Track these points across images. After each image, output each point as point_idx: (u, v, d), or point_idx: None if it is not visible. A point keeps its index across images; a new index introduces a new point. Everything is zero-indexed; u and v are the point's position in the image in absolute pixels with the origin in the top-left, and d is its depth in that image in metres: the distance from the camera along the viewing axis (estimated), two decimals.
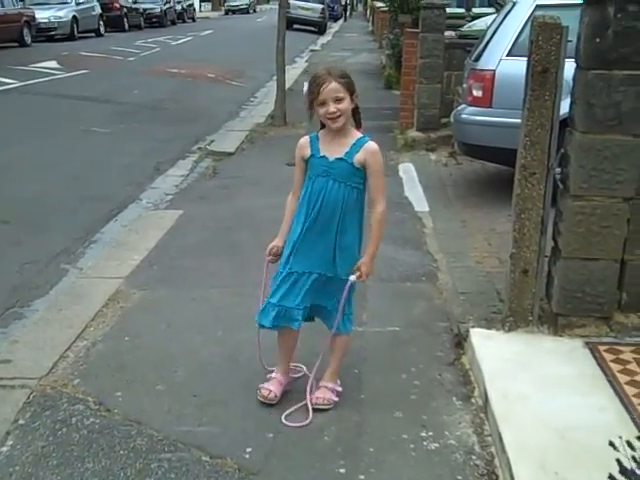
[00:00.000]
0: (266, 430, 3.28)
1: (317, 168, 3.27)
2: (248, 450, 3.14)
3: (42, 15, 25.07)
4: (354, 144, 3.25)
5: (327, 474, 2.99)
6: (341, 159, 3.24)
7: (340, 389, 3.53)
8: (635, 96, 3.64)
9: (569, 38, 3.73)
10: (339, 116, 3.18)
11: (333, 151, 3.25)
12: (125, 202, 7.24)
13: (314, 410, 3.38)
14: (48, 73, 16.70)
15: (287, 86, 12.06)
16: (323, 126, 3.32)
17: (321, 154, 3.27)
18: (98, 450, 3.12)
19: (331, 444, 3.20)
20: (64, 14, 26.12)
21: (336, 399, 3.48)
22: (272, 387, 3.48)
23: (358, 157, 3.23)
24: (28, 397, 3.52)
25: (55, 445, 3.16)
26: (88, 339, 4.15)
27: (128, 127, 11.12)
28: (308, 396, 3.43)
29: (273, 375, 3.55)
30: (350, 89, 3.19)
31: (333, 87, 3.14)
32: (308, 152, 3.30)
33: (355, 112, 3.29)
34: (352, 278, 3.26)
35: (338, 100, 3.16)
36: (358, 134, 3.30)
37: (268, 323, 3.37)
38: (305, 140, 3.34)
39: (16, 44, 22.89)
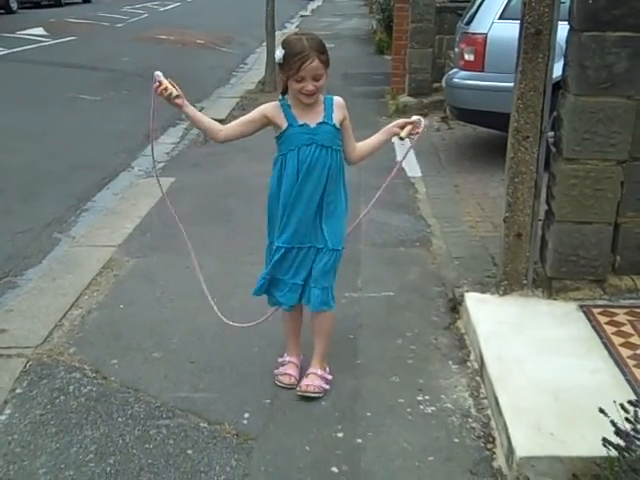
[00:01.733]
0: (263, 396, 3.30)
1: (299, 137, 3.11)
2: (246, 416, 3.16)
3: None
4: (325, 106, 3.15)
5: (325, 439, 3.01)
6: (324, 123, 3.12)
7: (330, 377, 3.39)
8: (628, 58, 3.62)
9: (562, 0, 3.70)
10: (314, 93, 3.05)
11: (311, 117, 3.12)
12: (116, 170, 7.21)
13: (303, 399, 3.27)
14: (35, 40, 16.54)
15: None
16: (285, 91, 3.15)
17: (300, 122, 3.11)
18: (96, 417, 3.14)
19: (328, 409, 3.22)
20: None
21: (327, 387, 3.33)
22: (289, 371, 3.40)
23: (336, 116, 3.14)
24: (25, 366, 3.53)
25: (53, 413, 3.17)
26: (83, 307, 4.15)
27: (118, 94, 11.04)
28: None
29: (287, 359, 3.46)
30: (327, 64, 3.05)
31: (315, 65, 2.97)
32: (284, 121, 3.12)
33: None
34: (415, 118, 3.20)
35: (317, 79, 3.01)
36: (321, 96, 3.16)
37: (257, 293, 3.35)
38: (277, 106, 3.14)
39: (2, 11, 22.64)
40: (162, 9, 27.09)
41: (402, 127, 3.21)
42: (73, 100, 10.47)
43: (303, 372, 3.41)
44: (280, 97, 3.18)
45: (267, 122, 3.16)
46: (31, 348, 3.68)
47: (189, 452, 2.92)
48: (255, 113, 3.17)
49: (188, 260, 4.77)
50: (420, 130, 3.21)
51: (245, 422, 3.12)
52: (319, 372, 3.37)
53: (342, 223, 3.26)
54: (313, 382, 3.32)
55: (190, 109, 3.12)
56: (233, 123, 3.23)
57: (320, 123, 3.12)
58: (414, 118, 3.23)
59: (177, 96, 3.05)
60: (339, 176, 3.21)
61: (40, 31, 18.19)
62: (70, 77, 12.42)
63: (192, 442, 2.98)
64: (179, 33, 18.56)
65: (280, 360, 3.49)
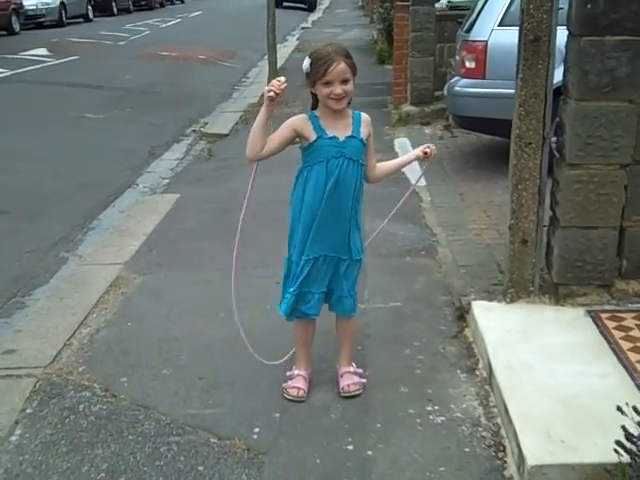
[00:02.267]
0: (273, 410, 3.30)
1: (328, 149, 3.12)
2: (256, 430, 3.16)
3: (30, 2, 24.86)
4: (354, 120, 3.19)
5: (335, 451, 3.01)
6: (352, 137, 3.15)
7: (361, 370, 3.50)
8: (628, 61, 3.63)
9: (560, 5, 3.71)
10: (344, 97, 3.07)
11: (341, 130, 3.14)
12: (121, 188, 7.24)
13: (347, 398, 3.37)
14: (38, 61, 16.61)
15: (279, 65, 12.04)
16: (315, 106, 3.19)
17: (329, 135, 3.12)
18: (107, 436, 3.14)
19: (338, 421, 3.21)
20: (52, 0, 25.89)
21: (364, 380, 3.44)
22: (298, 384, 3.39)
23: (363, 132, 3.19)
24: (34, 386, 3.54)
25: (64, 432, 3.17)
26: (91, 326, 4.16)
27: (121, 112, 11.09)
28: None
29: (295, 372, 3.45)
30: (354, 71, 3.10)
31: (342, 68, 3.02)
32: (312, 133, 3.12)
33: None
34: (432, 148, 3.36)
35: (345, 81, 3.05)
36: (349, 111, 3.22)
37: (287, 311, 3.31)
38: (305, 118, 3.16)
39: (4, 32, 22.73)
40: (163, 25, 27.20)
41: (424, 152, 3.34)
42: (77, 119, 10.52)
43: (312, 385, 3.42)
44: (308, 112, 3.21)
45: (296, 135, 3.17)
46: (40, 368, 3.69)
47: (200, 468, 2.92)
48: (285, 129, 3.17)
49: (195, 276, 4.82)
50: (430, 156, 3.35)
51: (255, 437, 3.12)
52: (352, 369, 3.46)
53: (361, 233, 3.35)
54: (352, 380, 3.41)
55: (270, 117, 3.13)
56: (270, 142, 3.16)
57: (349, 137, 3.15)
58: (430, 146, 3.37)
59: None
60: (362, 190, 3.27)
61: (43, 51, 18.28)
62: (73, 96, 12.48)
63: (203, 458, 2.98)
64: (181, 49, 18.63)
65: (289, 374, 3.48)
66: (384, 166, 3.41)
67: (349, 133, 3.16)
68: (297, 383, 3.41)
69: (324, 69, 3.01)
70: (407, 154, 3.47)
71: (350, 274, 3.32)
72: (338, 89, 3.04)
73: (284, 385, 3.42)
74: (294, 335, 3.50)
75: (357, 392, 3.39)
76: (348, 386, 3.39)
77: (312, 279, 3.26)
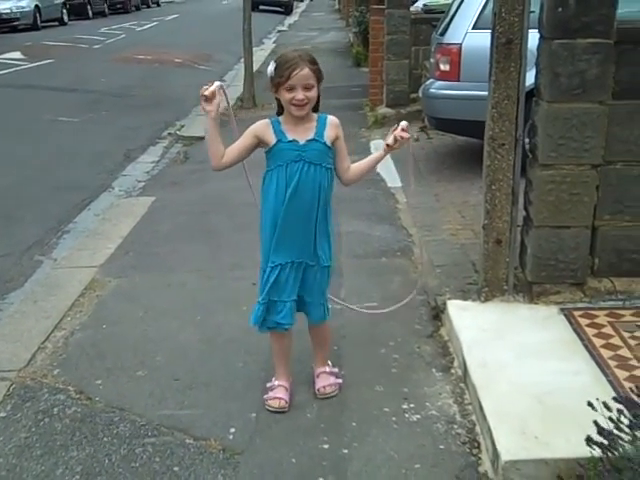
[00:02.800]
0: (249, 410, 3.30)
1: (288, 153, 3.09)
2: (232, 430, 3.16)
3: (4, 6, 24.68)
4: (318, 124, 3.13)
5: (311, 450, 3.02)
6: (314, 140, 3.10)
7: (337, 369, 3.50)
8: (599, 64, 3.67)
9: (532, 8, 3.75)
10: (306, 104, 3.03)
11: (301, 134, 3.10)
12: (97, 191, 7.20)
13: (323, 399, 3.36)
14: (12, 64, 16.48)
15: (255, 68, 12.01)
16: (280, 111, 3.16)
17: (289, 138, 3.09)
18: (81, 438, 3.13)
19: (314, 421, 3.22)
20: (26, 4, 25.67)
21: (339, 380, 3.44)
22: (279, 395, 3.32)
23: (328, 134, 3.12)
24: (8, 389, 3.51)
25: (38, 435, 3.15)
26: (66, 329, 4.14)
27: (96, 116, 11.03)
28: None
29: (276, 383, 3.38)
30: (319, 77, 3.06)
31: (305, 74, 2.98)
32: (272, 138, 3.10)
33: (317, 99, 3.12)
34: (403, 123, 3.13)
35: (307, 88, 3.01)
36: (315, 115, 3.16)
37: (257, 321, 3.26)
38: (266, 123, 3.14)
39: None
40: (139, 29, 27.08)
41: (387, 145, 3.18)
42: (52, 123, 10.45)
43: (292, 397, 3.37)
44: (273, 116, 3.17)
45: (258, 141, 3.14)
46: (14, 371, 3.66)
47: (176, 469, 2.92)
48: (246, 137, 3.15)
49: (170, 278, 4.81)
50: (404, 134, 3.11)
51: (231, 437, 3.12)
52: (327, 369, 3.46)
53: (331, 239, 3.28)
54: (328, 381, 3.42)
55: (217, 125, 3.10)
56: (231, 151, 3.16)
57: (310, 140, 3.10)
58: (395, 126, 3.19)
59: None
60: (329, 194, 3.20)
61: (17, 55, 18.14)
62: (48, 100, 12.40)
63: (178, 459, 2.98)
64: (157, 52, 18.57)
65: (269, 385, 3.41)
66: (357, 167, 3.30)
67: (310, 136, 3.10)
68: (278, 394, 3.33)
69: (287, 74, 2.98)
70: (377, 151, 3.33)
71: (319, 281, 3.26)
72: (300, 94, 3.00)
73: (265, 397, 3.35)
74: (271, 346, 3.45)
75: (333, 393, 3.39)
76: (324, 387, 3.39)
77: (281, 287, 3.19)
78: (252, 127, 3.16)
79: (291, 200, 3.10)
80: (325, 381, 3.41)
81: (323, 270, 3.26)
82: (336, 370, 3.50)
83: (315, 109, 3.15)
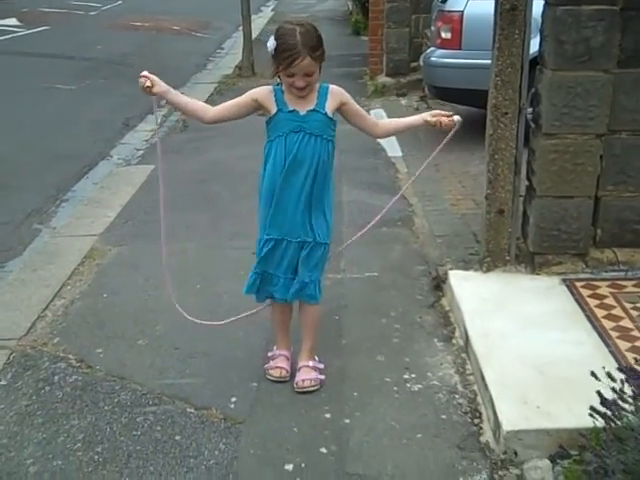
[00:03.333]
0: (250, 379, 3.30)
1: (288, 123, 3.02)
2: (233, 400, 3.16)
3: None
4: (319, 93, 3.05)
5: (313, 420, 3.02)
6: (314, 110, 3.02)
7: (322, 366, 3.34)
8: (604, 31, 3.63)
9: None
10: (306, 87, 2.96)
11: (302, 104, 3.02)
12: (95, 159, 7.15)
13: (300, 393, 3.20)
14: (8, 31, 16.31)
15: (254, 36, 11.90)
16: (281, 81, 3.05)
17: (290, 108, 3.02)
18: (82, 406, 3.13)
19: (315, 390, 3.21)
20: None
21: (322, 377, 3.27)
22: (280, 364, 3.30)
23: (329, 105, 3.04)
24: (8, 358, 3.51)
25: (39, 403, 3.15)
26: (66, 297, 4.13)
27: (94, 83, 10.93)
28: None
29: (277, 352, 3.36)
30: (321, 59, 2.94)
31: (305, 64, 2.87)
32: (273, 106, 3.03)
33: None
34: (457, 118, 3.18)
35: (308, 74, 2.92)
36: (317, 85, 3.06)
37: (250, 290, 3.24)
38: (268, 90, 3.06)
39: None
40: None
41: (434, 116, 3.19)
42: (48, 90, 10.35)
43: (294, 366, 3.33)
44: (277, 82, 3.07)
45: (257, 106, 3.08)
46: (14, 340, 3.66)
47: (177, 438, 2.92)
48: (245, 97, 3.09)
49: (171, 247, 4.73)
50: (450, 124, 3.18)
51: (232, 406, 3.12)
52: (310, 364, 3.30)
53: (329, 216, 3.18)
54: (308, 375, 3.25)
55: (172, 96, 3.06)
56: (222, 105, 3.12)
57: (311, 110, 3.03)
58: (454, 117, 3.19)
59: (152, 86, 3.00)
60: (329, 168, 3.13)
61: (13, 21, 17.94)
62: (45, 67, 12.28)
63: (180, 428, 2.98)
64: (154, 20, 18.37)
65: (270, 354, 3.40)
66: (388, 124, 3.33)
67: (311, 107, 3.03)
68: (279, 363, 3.31)
69: (288, 62, 2.88)
70: (415, 116, 3.28)
71: (312, 257, 3.14)
72: (300, 82, 2.93)
73: (266, 366, 3.33)
74: (271, 315, 3.42)
75: (312, 388, 3.22)
76: (302, 381, 3.23)
77: (276, 261, 3.15)
78: (253, 90, 3.10)
79: (289, 172, 3.04)
80: (305, 375, 3.25)
81: (318, 247, 3.14)
82: (321, 366, 3.33)
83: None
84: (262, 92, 3.08)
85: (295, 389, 3.23)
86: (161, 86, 3.02)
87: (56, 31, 16.63)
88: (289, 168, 3.04)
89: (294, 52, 2.86)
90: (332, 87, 3.11)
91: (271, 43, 2.93)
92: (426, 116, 3.21)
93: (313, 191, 3.08)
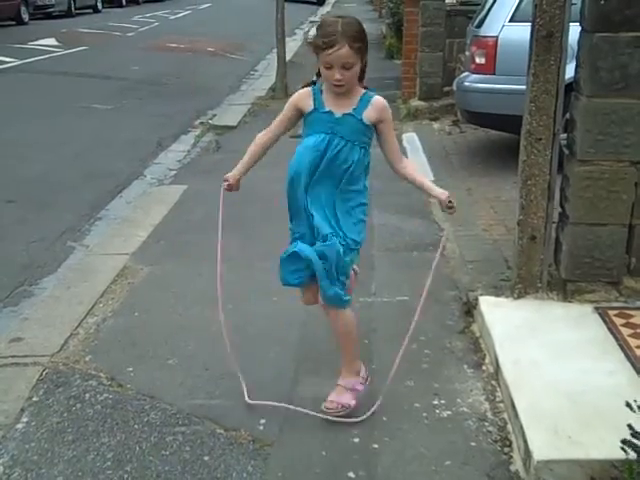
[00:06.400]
0: (279, 401, 3.29)
1: (321, 124, 2.94)
2: (262, 421, 3.16)
3: None
4: (361, 99, 2.94)
5: (341, 444, 3.01)
6: (349, 115, 2.92)
7: (361, 387, 3.23)
8: None
9: (573, 1, 3.70)
10: (344, 84, 2.85)
11: (339, 106, 2.92)
12: (129, 178, 7.24)
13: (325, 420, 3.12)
14: (47, 51, 16.63)
15: (287, 58, 12.00)
16: (319, 74, 2.95)
17: (326, 109, 2.93)
18: (113, 425, 3.14)
19: (339, 416, 3.20)
20: None
21: (352, 402, 3.15)
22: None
23: (368, 114, 2.93)
24: (41, 374, 3.54)
25: (70, 421, 3.18)
26: (98, 315, 4.16)
27: (129, 103, 11.08)
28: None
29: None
30: (363, 52, 2.85)
31: (343, 53, 2.76)
32: (310, 105, 2.95)
33: (362, 68, 2.93)
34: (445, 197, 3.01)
35: (346, 67, 2.81)
36: (362, 89, 2.97)
37: (286, 276, 3.17)
38: (307, 92, 2.98)
39: (13, 22, 22.74)
40: (172, 17, 27.19)
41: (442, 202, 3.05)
42: (86, 109, 10.52)
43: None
44: (315, 79, 3.00)
45: (300, 113, 3.03)
46: (47, 356, 3.69)
47: (206, 459, 2.92)
48: (286, 111, 3.06)
49: (202, 267, 4.81)
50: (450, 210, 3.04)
51: (261, 428, 3.12)
52: (343, 382, 3.20)
53: (360, 227, 3.06)
54: (338, 398, 3.16)
55: (246, 169, 3.30)
56: (271, 128, 3.13)
57: (347, 114, 2.93)
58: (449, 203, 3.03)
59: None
60: (361, 175, 3.02)
61: (52, 42, 18.29)
62: (82, 87, 12.48)
63: (208, 449, 2.98)
64: (189, 41, 18.62)
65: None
66: (412, 172, 3.13)
67: (348, 110, 2.93)
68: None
69: (325, 47, 2.77)
70: (434, 187, 3.10)
71: (342, 257, 2.96)
72: (337, 74, 2.82)
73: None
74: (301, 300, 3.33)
75: (335, 414, 3.12)
76: (330, 402, 3.15)
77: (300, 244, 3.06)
78: (292, 97, 3.07)
79: (317, 172, 2.96)
80: (335, 396, 3.17)
81: (350, 251, 3.00)
82: (359, 388, 3.22)
83: (360, 78, 2.96)
84: (300, 95, 3.02)
85: (321, 407, 3.18)
86: (236, 176, 3.29)
87: (93, 51, 16.92)
88: (317, 168, 2.95)
89: (332, 38, 2.76)
90: (378, 97, 3.00)
91: (313, 32, 2.92)
92: (442, 195, 3.03)
93: (341, 195, 2.99)
